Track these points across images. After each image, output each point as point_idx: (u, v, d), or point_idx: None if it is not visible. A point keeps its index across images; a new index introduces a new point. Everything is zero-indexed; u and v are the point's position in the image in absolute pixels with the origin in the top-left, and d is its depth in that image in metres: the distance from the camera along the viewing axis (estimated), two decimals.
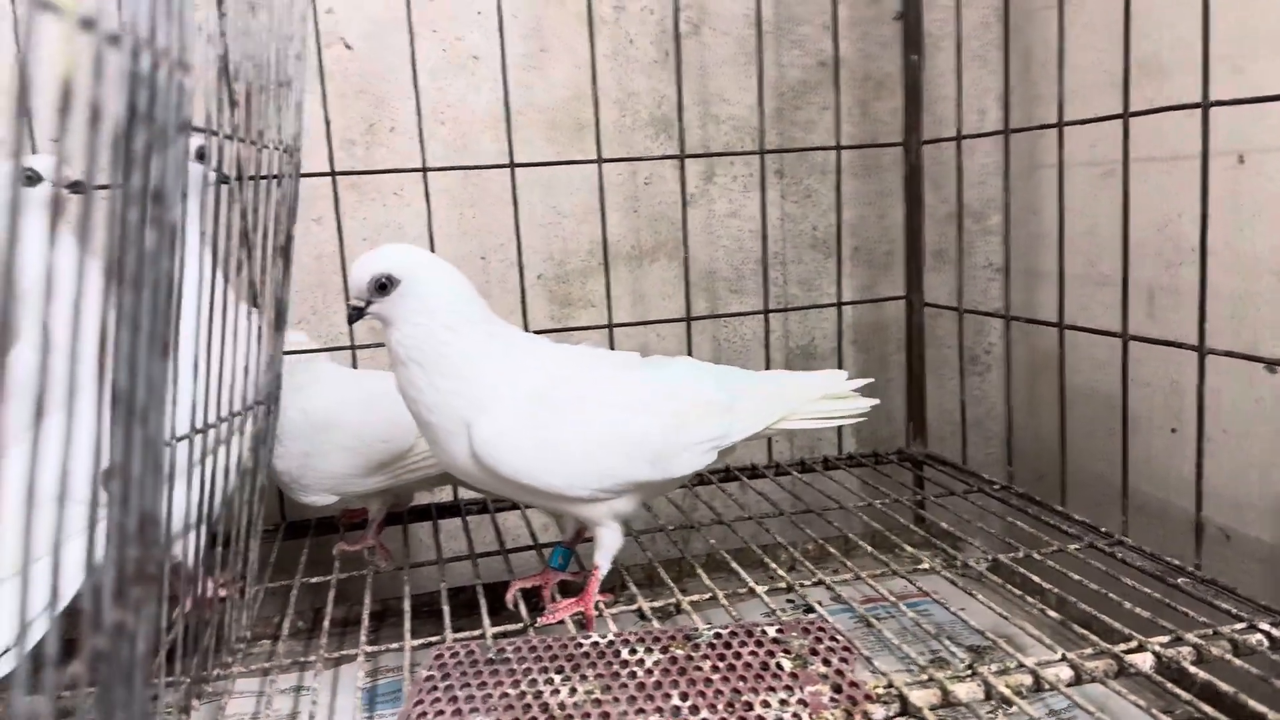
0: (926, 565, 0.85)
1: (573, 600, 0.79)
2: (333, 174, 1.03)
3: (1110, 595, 0.76)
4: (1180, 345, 0.83)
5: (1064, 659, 0.66)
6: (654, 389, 0.79)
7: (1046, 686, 0.64)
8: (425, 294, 0.72)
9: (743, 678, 0.64)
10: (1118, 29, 0.85)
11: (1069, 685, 0.64)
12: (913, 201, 1.15)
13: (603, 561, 0.79)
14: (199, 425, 0.58)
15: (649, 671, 0.65)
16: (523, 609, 0.80)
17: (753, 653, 0.67)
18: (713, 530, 0.99)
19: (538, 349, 0.79)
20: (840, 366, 1.26)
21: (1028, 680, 0.64)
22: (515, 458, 0.72)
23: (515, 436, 0.72)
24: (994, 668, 0.65)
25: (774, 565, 0.85)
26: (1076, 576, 0.79)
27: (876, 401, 0.86)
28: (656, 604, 0.79)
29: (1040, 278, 1.23)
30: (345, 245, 1.06)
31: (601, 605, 0.78)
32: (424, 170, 1.06)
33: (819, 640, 0.69)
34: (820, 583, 0.82)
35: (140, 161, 0.29)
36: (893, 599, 0.77)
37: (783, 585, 0.82)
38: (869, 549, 0.90)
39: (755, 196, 1.21)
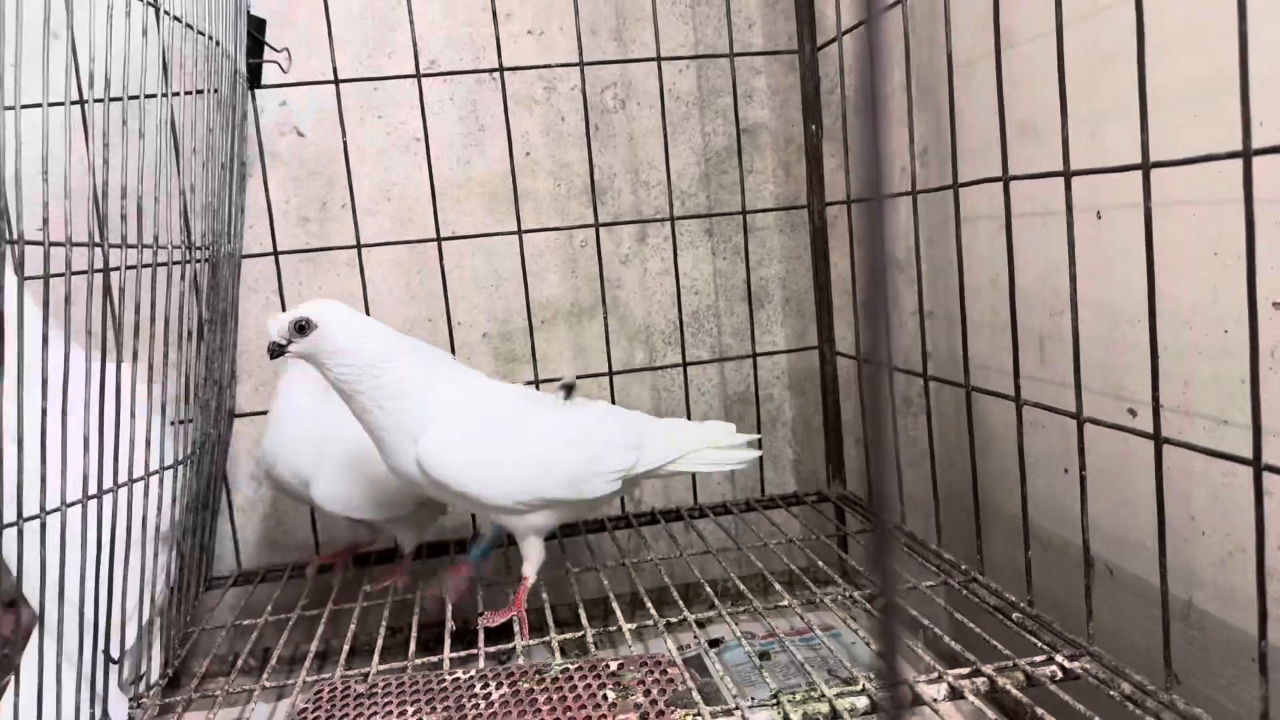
0: (825, 601, 0.92)
1: (506, 608, 0.92)
2: (275, 253, 1.15)
3: (945, 639, 0.82)
4: (1063, 413, 0.87)
5: (863, 690, 0.72)
6: (574, 425, 0.93)
7: (839, 715, 0.71)
8: (341, 335, 0.83)
9: (568, 708, 0.72)
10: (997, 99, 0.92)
11: (865, 715, 0.71)
12: (818, 259, 1.23)
13: (530, 571, 0.93)
14: (91, 492, 0.68)
15: (490, 704, 0.74)
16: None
17: (587, 685, 0.75)
18: (645, 569, 1.06)
19: (474, 379, 0.92)
20: (776, 411, 1.34)
21: (824, 709, 0.71)
22: (453, 469, 0.84)
23: (455, 451, 0.84)
24: (797, 696, 0.72)
25: (684, 604, 0.92)
26: (946, 607, 0.86)
27: (759, 454, 0.96)
28: (568, 637, 0.88)
29: (956, 325, 1.28)
30: None
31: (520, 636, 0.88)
32: (359, 246, 1.17)
33: (650, 673, 0.76)
34: (723, 619, 0.89)
35: None
36: (785, 634, 0.86)
37: (690, 621, 0.89)
38: (779, 587, 0.96)
39: (687, 254, 1.30)
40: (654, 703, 0.72)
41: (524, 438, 0.89)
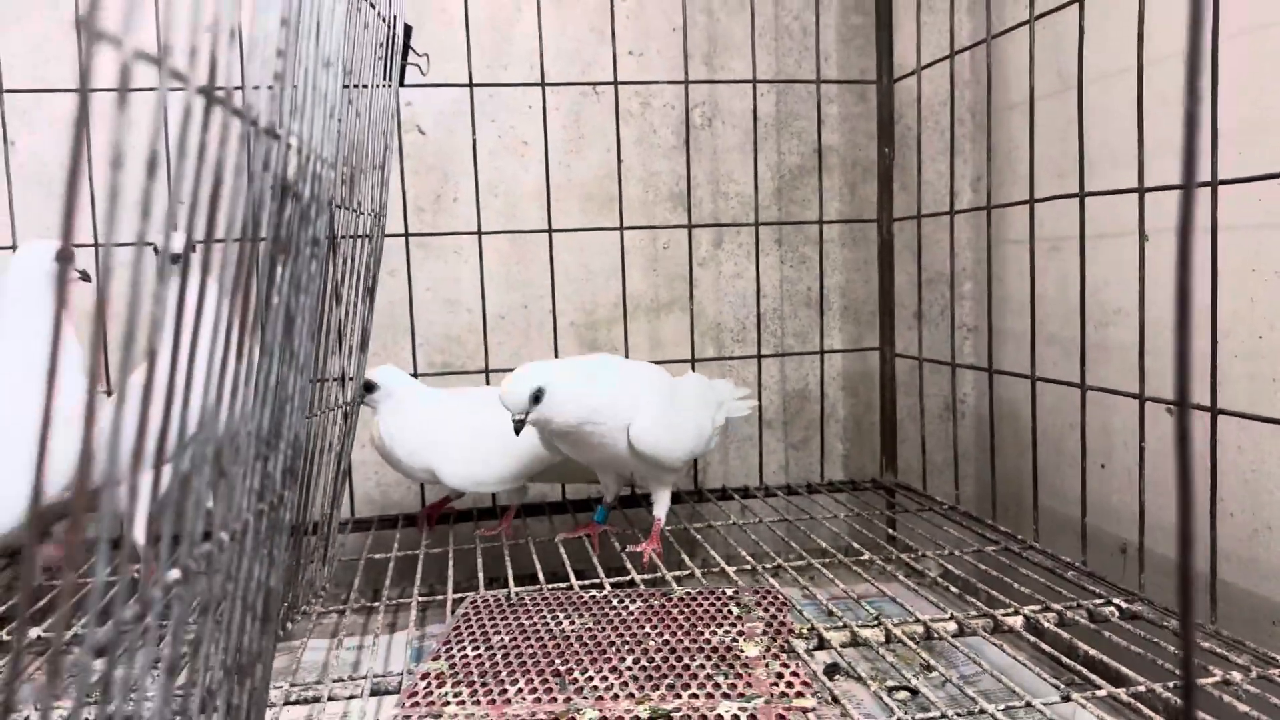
0: (882, 571, 1.03)
1: (648, 542, 1.07)
2: (406, 235, 1.28)
3: (1014, 584, 0.95)
4: (1123, 393, 1.00)
5: (951, 617, 0.85)
6: (702, 396, 1.15)
7: (935, 635, 0.83)
8: (563, 394, 0.97)
9: (700, 618, 0.84)
10: (1066, 130, 1.06)
11: (954, 636, 0.83)
12: (884, 268, 1.37)
13: (661, 513, 1.10)
14: (307, 413, 0.80)
15: (630, 613, 0.86)
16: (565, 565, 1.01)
17: (711, 604, 0.87)
18: (715, 537, 1.18)
19: (640, 369, 1.10)
20: (830, 409, 1.47)
21: (919, 629, 0.83)
22: (662, 444, 1.03)
23: (658, 429, 1.03)
24: (894, 619, 0.84)
25: (761, 568, 1.04)
26: (994, 573, 0.98)
27: (755, 402, 1.26)
28: (678, 574, 1.00)
29: (1005, 335, 1.42)
30: (414, 295, 1.31)
31: (602, 577, 0.99)
32: (479, 234, 1.30)
33: (763, 598, 0.89)
34: (793, 583, 1.00)
35: (312, 222, 0.52)
36: (854, 597, 0.97)
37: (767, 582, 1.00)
38: (840, 558, 1.08)
39: (758, 260, 1.44)
40: (774, 616, 0.84)
41: (686, 412, 1.09)
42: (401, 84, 1.26)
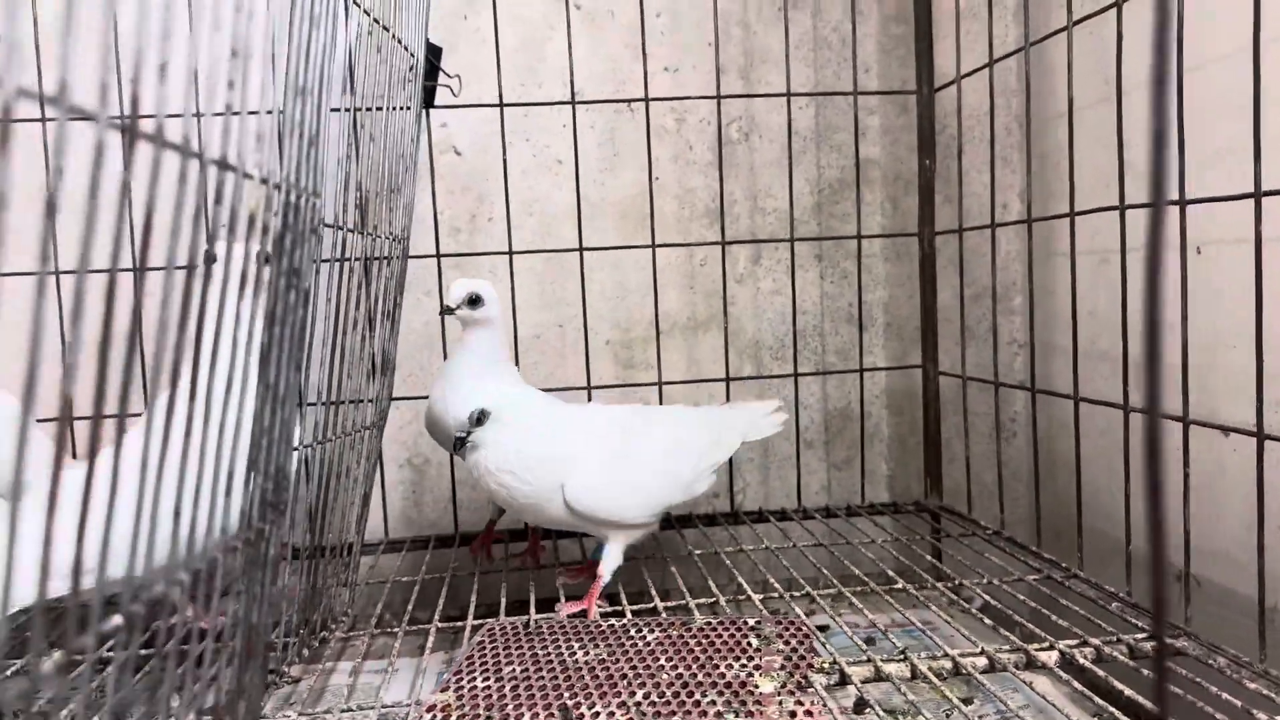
0: (923, 599, 1.00)
1: (579, 600, 0.99)
2: (438, 255, 1.28)
3: (1053, 616, 0.90)
4: (1171, 417, 0.95)
5: (982, 651, 0.81)
6: (673, 437, 1.04)
7: (964, 671, 0.79)
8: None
9: (718, 650, 0.82)
10: (1111, 139, 1.01)
11: (983, 672, 0.79)
12: (926, 283, 1.32)
13: (607, 571, 1.00)
14: (319, 438, 0.80)
15: (647, 643, 0.84)
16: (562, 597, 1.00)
17: (730, 635, 0.85)
18: (747, 562, 1.16)
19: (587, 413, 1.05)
20: (874, 428, 1.43)
21: (948, 665, 0.80)
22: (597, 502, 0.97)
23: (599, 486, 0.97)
24: (922, 654, 0.81)
25: (787, 595, 1.01)
26: (1034, 604, 0.93)
27: (788, 416, 1.17)
28: (701, 602, 0.98)
29: (1054, 351, 1.37)
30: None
31: (624, 604, 0.97)
32: (511, 253, 1.30)
33: (785, 629, 0.86)
34: (826, 610, 0.97)
35: (288, 252, 0.52)
36: (885, 628, 0.93)
37: (794, 609, 0.96)
38: (877, 585, 1.04)
39: (797, 276, 1.41)
40: (794, 650, 0.81)
41: (645, 463, 1.02)
42: (431, 105, 1.26)
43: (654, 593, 1.02)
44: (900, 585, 1.03)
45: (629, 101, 1.37)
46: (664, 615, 0.94)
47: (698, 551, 1.16)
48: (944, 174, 1.37)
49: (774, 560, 1.15)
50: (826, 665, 0.79)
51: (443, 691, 0.76)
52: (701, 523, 1.30)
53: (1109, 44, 1.05)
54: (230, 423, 0.42)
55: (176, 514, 0.41)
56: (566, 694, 0.75)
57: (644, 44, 1.29)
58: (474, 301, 1.03)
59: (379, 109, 0.87)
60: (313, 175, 0.54)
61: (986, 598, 0.98)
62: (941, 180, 1.37)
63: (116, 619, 0.37)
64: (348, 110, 0.80)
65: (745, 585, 1.02)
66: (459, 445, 0.93)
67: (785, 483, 1.43)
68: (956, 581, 1.04)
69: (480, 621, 0.94)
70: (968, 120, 1.35)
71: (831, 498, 1.44)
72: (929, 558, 1.19)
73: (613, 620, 0.90)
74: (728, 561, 1.13)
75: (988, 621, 0.93)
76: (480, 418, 0.93)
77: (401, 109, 0.93)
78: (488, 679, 0.78)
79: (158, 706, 0.43)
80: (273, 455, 0.53)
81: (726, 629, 0.86)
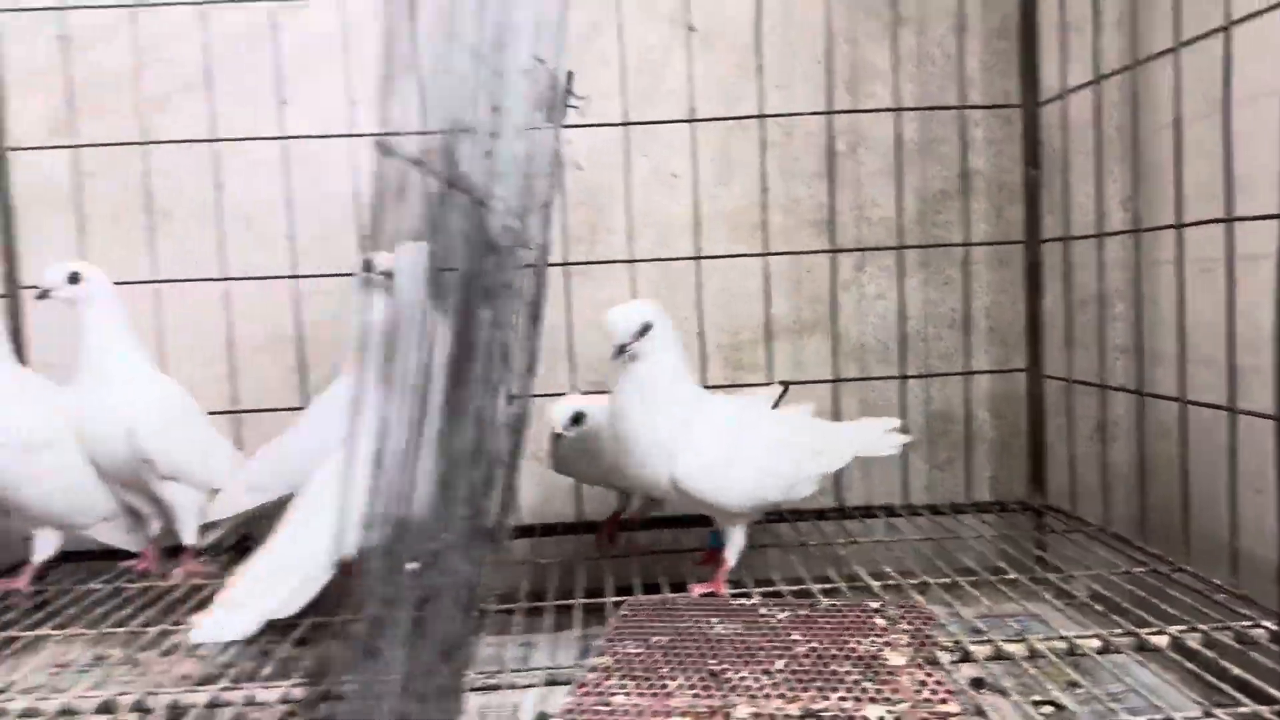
0: (1030, 593, 1.05)
1: (708, 583, 1.07)
2: (564, 264, 1.38)
3: (1161, 605, 0.95)
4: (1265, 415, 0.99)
5: (1095, 634, 0.87)
6: (782, 438, 1.11)
7: (1079, 652, 0.85)
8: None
9: (846, 628, 0.89)
10: (1217, 152, 1.05)
11: (1098, 653, 0.85)
12: (1032, 289, 1.38)
13: (731, 557, 1.07)
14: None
15: (780, 620, 0.92)
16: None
17: (857, 616, 0.92)
18: (854, 555, 1.22)
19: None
20: (977, 430, 1.48)
21: (1063, 646, 0.86)
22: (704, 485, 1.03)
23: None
24: (1039, 635, 0.87)
25: (906, 584, 1.06)
26: (1141, 594, 0.98)
27: (909, 438, 1.21)
28: (825, 587, 1.06)
29: (1159, 358, 1.40)
30: (572, 321, 1.41)
31: (750, 587, 1.05)
32: (631, 261, 1.39)
33: (908, 612, 0.93)
34: (940, 600, 1.03)
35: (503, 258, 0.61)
36: (999, 615, 0.99)
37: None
38: (984, 576, 1.09)
39: (900, 282, 1.47)
40: (918, 630, 0.88)
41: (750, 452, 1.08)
42: (562, 125, 1.36)
43: (775, 578, 1.10)
44: (1010, 576, 1.08)
45: (742, 119, 1.45)
46: (789, 597, 1.01)
47: (812, 542, 1.23)
48: (1046, 184, 1.42)
49: (887, 553, 1.22)
50: (949, 644, 0.86)
51: (600, 656, 0.85)
52: (812, 516, 1.37)
53: (1216, 60, 1.10)
54: (490, 414, 0.51)
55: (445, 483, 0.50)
56: (712, 661, 0.83)
57: (760, 63, 1.38)
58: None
59: (537, 130, 0.96)
60: (520, 197, 0.64)
61: (1097, 588, 1.03)
62: (1045, 190, 1.42)
63: (414, 564, 0.47)
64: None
65: (863, 574, 1.08)
66: (557, 441, 1.02)
67: (888, 481, 1.49)
68: (1063, 574, 1.09)
69: (620, 599, 1.03)
70: (1071, 132, 1.40)
71: (934, 496, 1.49)
72: (1035, 552, 1.24)
73: (742, 600, 0.98)
74: (842, 552, 1.20)
75: (1097, 609, 0.98)
76: (578, 418, 1.02)
77: (552, 128, 1.02)
78: (639, 646, 0.87)
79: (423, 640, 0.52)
80: (492, 440, 0.62)
81: (851, 610, 0.93)
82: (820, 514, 1.38)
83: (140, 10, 1.39)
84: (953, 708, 0.73)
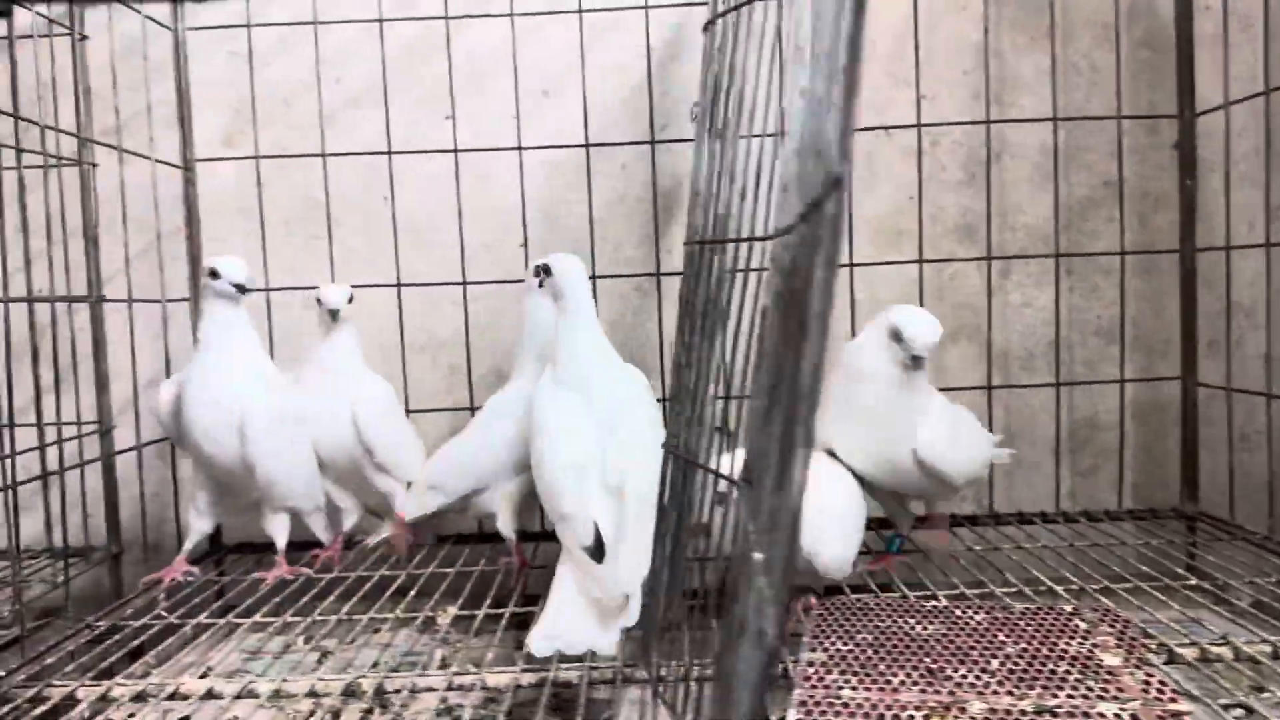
0: (1186, 599, 1.06)
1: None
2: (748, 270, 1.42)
3: None
4: None
5: (1264, 640, 0.88)
6: (970, 419, 1.23)
7: (1243, 656, 0.86)
8: None
9: (1049, 630, 0.91)
10: None
11: (1271, 659, 0.86)
12: (1188, 298, 1.39)
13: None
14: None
15: (979, 623, 0.94)
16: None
17: (1054, 618, 0.94)
18: (1004, 561, 1.25)
19: None
20: (1115, 441, 1.49)
21: (1267, 649, 0.87)
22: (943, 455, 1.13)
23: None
24: (1243, 639, 0.88)
25: (1062, 590, 1.09)
26: None
27: (1014, 451, 1.33)
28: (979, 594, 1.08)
29: None
30: None
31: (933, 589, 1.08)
32: None
33: (1104, 615, 0.94)
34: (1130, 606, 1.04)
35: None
36: (1162, 620, 1.00)
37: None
38: (1143, 585, 1.11)
39: (1045, 290, 1.48)
40: (1123, 631, 0.90)
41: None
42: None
43: (956, 581, 1.12)
44: (1169, 583, 1.09)
45: (890, 128, 1.48)
46: (975, 600, 1.04)
47: (977, 547, 1.25)
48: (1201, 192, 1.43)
49: (1036, 560, 1.22)
50: (1154, 646, 0.88)
51: (811, 652, 0.88)
52: (965, 522, 1.39)
53: None
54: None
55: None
56: (926, 659, 0.85)
57: (917, 76, 1.40)
58: None
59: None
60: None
61: (1261, 597, 1.04)
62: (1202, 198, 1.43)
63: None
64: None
65: (1016, 581, 1.11)
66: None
67: (1032, 488, 1.50)
68: (1221, 581, 1.10)
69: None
70: (1223, 143, 1.40)
71: (1077, 503, 1.50)
72: (1187, 560, 1.25)
73: (933, 603, 1.01)
74: (1014, 557, 1.22)
75: (1263, 616, 0.98)
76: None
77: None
78: (846, 643, 0.90)
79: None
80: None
81: (1048, 614, 0.96)
82: (973, 519, 1.40)
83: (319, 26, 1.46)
84: (1184, 706, 0.75)
